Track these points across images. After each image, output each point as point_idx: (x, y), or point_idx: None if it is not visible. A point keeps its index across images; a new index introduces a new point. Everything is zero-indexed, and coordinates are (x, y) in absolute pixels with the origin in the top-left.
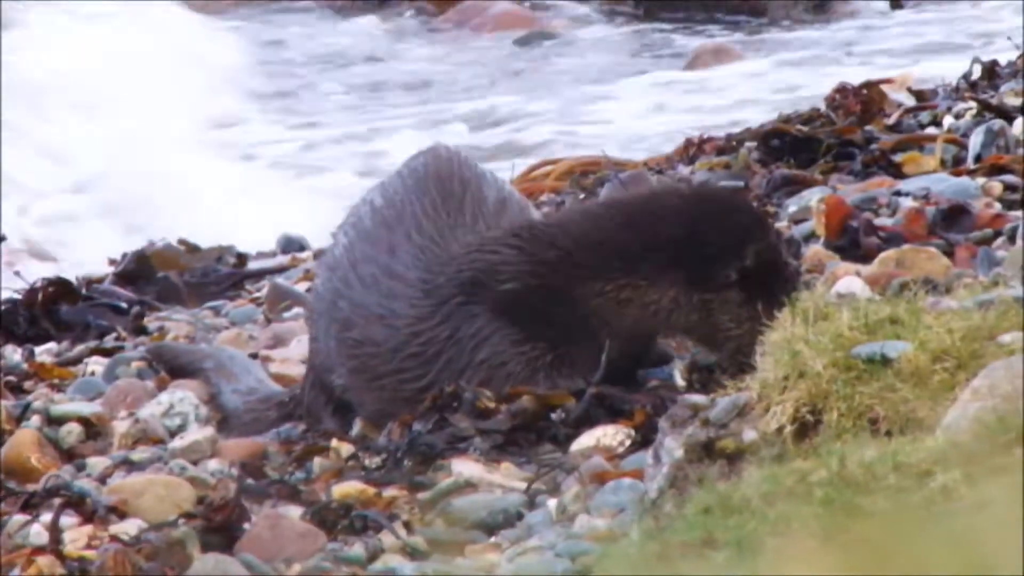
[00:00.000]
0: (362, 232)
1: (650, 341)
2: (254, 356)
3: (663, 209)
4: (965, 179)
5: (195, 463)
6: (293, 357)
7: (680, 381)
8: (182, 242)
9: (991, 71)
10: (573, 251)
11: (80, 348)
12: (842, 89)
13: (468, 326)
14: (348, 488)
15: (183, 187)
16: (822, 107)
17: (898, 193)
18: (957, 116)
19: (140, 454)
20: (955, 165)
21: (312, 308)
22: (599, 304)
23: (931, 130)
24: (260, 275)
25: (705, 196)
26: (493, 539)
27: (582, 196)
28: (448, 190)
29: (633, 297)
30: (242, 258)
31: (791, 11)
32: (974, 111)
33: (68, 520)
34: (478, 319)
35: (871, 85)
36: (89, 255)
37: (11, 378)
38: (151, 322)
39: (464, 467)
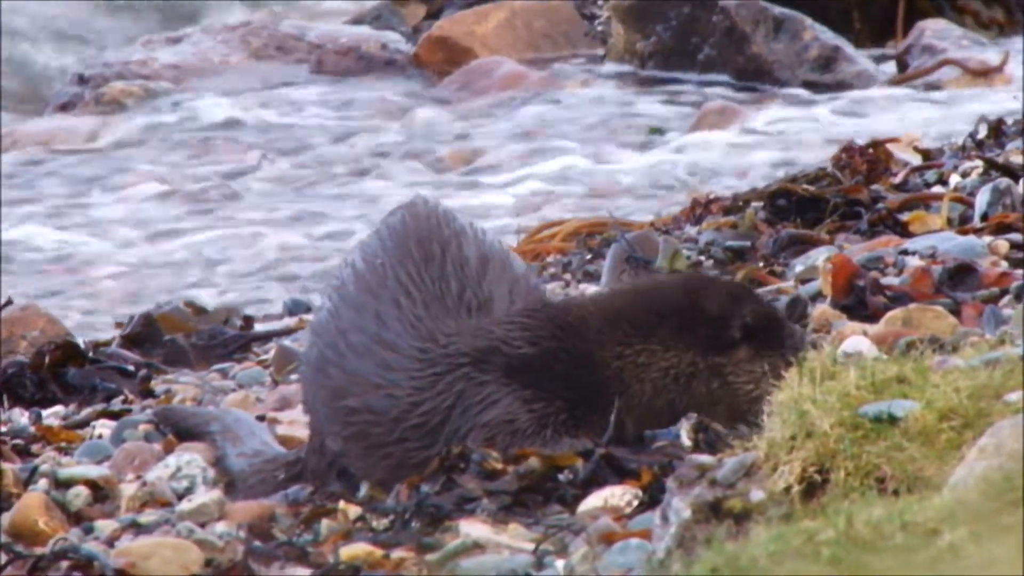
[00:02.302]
0: (347, 298)
1: (670, 411)
2: (261, 418)
3: (664, 286)
4: (971, 238)
5: (203, 525)
6: (300, 419)
7: (687, 441)
8: (189, 304)
9: (997, 129)
10: (590, 318)
11: (87, 411)
12: (848, 148)
13: (476, 392)
14: (356, 550)
15: None
16: (828, 166)
17: (905, 252)
18: (963, 175)
19: (148, 517)
20: (961, 224)
21: (302, 372)
22: (619, 368)
23: (937, 189)
24: (267, 337)
25: (695, 276)
26: None
27: (588, 256)
28: (429, 252)
29: (651, 362)
30: (249, 320)
31: (796, 71)
32: (980, 170)
33: None
34: (488, 385)
35: (877, 144)
36: None
37: (18, 441)
38: (158, 385)
39: (472, 528)
